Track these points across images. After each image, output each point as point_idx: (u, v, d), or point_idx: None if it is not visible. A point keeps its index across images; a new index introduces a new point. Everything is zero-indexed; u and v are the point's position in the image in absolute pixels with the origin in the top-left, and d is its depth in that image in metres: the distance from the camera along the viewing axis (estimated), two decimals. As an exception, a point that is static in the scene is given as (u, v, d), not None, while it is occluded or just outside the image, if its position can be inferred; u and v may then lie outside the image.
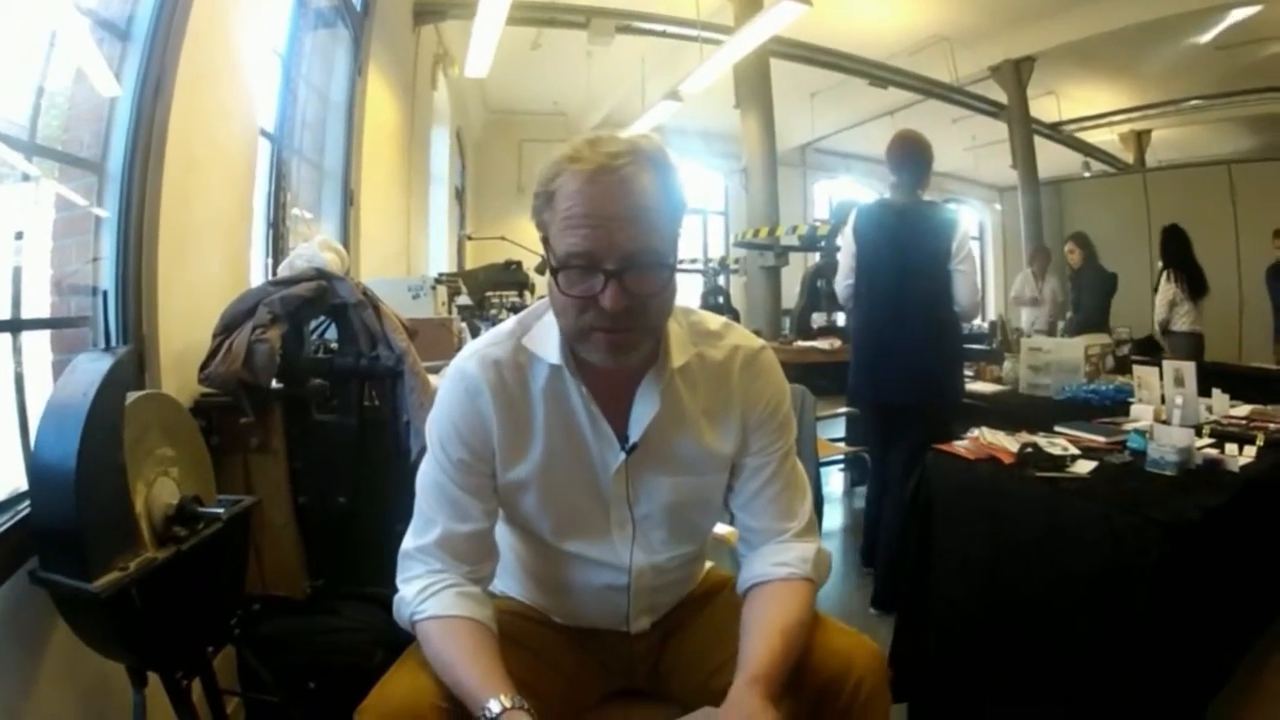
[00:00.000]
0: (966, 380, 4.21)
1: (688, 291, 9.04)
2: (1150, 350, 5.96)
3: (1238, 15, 8.36)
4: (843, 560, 4.16)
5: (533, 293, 6.00)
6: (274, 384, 2.39)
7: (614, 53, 8.49)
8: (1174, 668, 1.92)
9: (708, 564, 1.62)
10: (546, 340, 1.30)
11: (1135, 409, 3.16)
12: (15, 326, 1.93)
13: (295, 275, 2.49)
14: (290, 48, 3.95)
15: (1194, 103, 11.01)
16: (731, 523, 1.49)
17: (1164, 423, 2.79)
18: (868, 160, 14.20)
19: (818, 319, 7.19)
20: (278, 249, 3.69)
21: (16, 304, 1.95)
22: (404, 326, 2.58)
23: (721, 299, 9.16)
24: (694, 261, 9.60)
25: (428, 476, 1.34)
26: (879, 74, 9.74)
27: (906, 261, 3.45)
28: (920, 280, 3.42)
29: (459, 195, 10.63)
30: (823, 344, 5.96)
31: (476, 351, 1.33)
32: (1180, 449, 2.36)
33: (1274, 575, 2.52)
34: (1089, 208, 11.86)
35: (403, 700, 1.19)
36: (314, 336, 2.72)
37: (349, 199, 4.80)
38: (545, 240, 1.22)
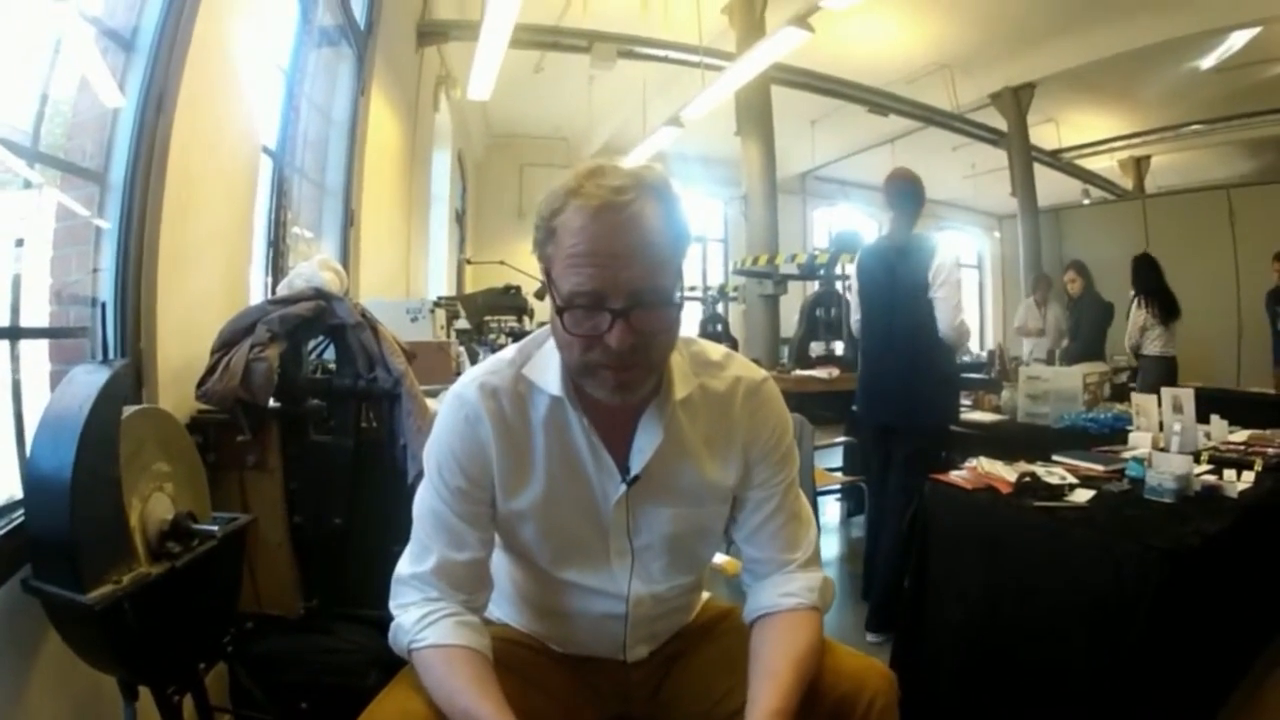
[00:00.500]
0: (965, 410, 4.33)
1: (687, 319, 9.01)
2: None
3: (1237, 39, 8.42)
4: (839, 589, 4.12)
5: (531, 318, 6.01)
6: (271, 403, 2.38)
7: (616, 77, 8.52)
8: (1173, 693, 1.91)
9: (705, 594, 1.61)
10: (547, 370, 1.30)
11: (1134, 436, 3.17)
12: (14, 335, 1.93)
13: (294, 294, 2.49)
14: (294, 65, 3.95)
15: (1194, 127, 11.08)
16: (729, 551, 1.49)
17: (1162, 450, 2.79)
18: (867, 188, 14.25)
19: (816, 348, 7.16)
20: (277, 267, 3.68)
21: (16, 312, 1.95)
22: (402, 349, 2.58)
23: (720, 327, 9.17)
24: (693, 289, 9.59)
25: (425, 504, 1.33)
26: (879, 101, 9.77)
27: (893, 294, 3.66)
28: (904, 310, 3.59)
29: (459, 218, 10.65)
30: (821, 373, 5.95)
31: (475, 379, 1.32)
32: (1179, 476, 2.37)
33: (1273, 599, 2.51)
34: (1088, 235, 11.90)
35: None
36: (312, 356, 2.72)
37: (349, 218, 4.79)
38: (548, 274, 1.21)
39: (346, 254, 4.75)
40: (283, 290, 2.60)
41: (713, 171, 12.41)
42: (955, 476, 2.62)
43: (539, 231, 1.20)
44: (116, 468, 1.59)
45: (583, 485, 1.33)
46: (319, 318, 2.47)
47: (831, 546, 5.03)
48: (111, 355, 1.96)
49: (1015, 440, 3.75)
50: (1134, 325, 6.66)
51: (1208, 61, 9.12)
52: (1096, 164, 12.90)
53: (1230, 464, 2.73)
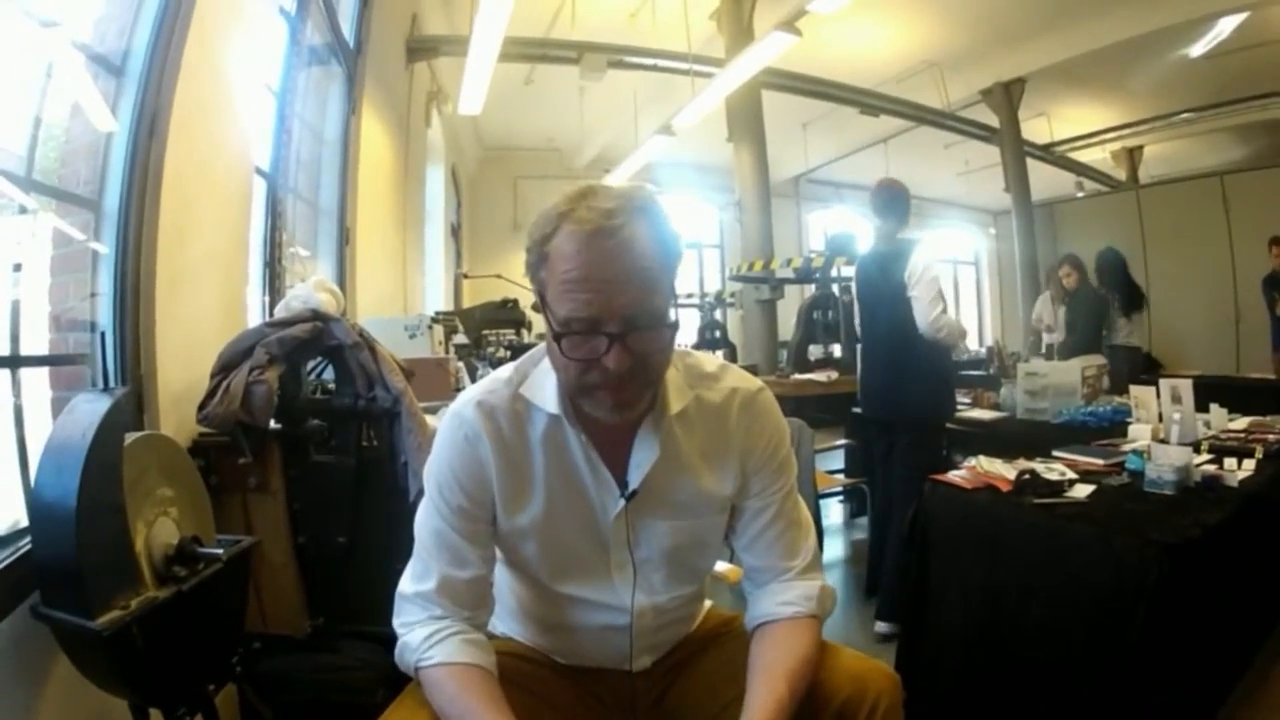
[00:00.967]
0: (964, 408, 4.40)
1: (684, 326, 9.04)
2: (1148, 369, 6.07)
3: (1225, 25, 8.42)
4: (844, 591, 4.15)
5: (530, 330, 6.02)
6: (272, 424, 2.39)
7: (607, 88, 8.55)
8: (1176, 685, 1.91)
9: (708, 603, 1.62)
10: (544, 389, 1.31)
11: (1133, 429, 3.17)
12: (14, 363, 1.94)
13: (291, 316, 2.49)
14: (284, 85, 3.95)
15: (1184, 116, 11.08)
16: (731, 559, 1.50)
17: (1162, 441, 2.79)
18: (861, 189, 14.17)
19: (814, 351, 7.16)
20: (275, 287, 3.67)
21: (15, 339, 1.96)
22: (400, 367, 2.59)
23: (718, 333, 9.18)
24: (690, 296, 9.61)
25: (426, 522, 1.34)
26: (870, 102, 9.77)
27: (879, 297, 3.83)
28: (887, 311, 3.75)
29: (455, 232, 10.65)
30: (820, 376, 5.95)
31: (473, 398, 1.33)
32: (1178, 467, 2.37)
33: (1275, 588, 2.51)
34: (1083, 227, 11.84)
35: None
36: (311, 377, 2.72)
37: (345, 237, 4.80)
38: (542, 297, 1.22)
39: (343, 272, 4.76)
40: (280, 312, 2.61)
41: (706, 178, 12.45)
42: (954, 477, 2.62)
43: (531, 255, 1.21)
44: (120, 494, 1.60)
45: (582, 501, 1.34)
46: (317, 339, 2.48)
47: (835, 548, 5.03)
48: (112, 382, 1.97)
49: (1015, 437, 3.76)
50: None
51: (1197, 49, 9.11)
52: (1089, 156, 12.90)
53: (1230, 452, 2.73)
